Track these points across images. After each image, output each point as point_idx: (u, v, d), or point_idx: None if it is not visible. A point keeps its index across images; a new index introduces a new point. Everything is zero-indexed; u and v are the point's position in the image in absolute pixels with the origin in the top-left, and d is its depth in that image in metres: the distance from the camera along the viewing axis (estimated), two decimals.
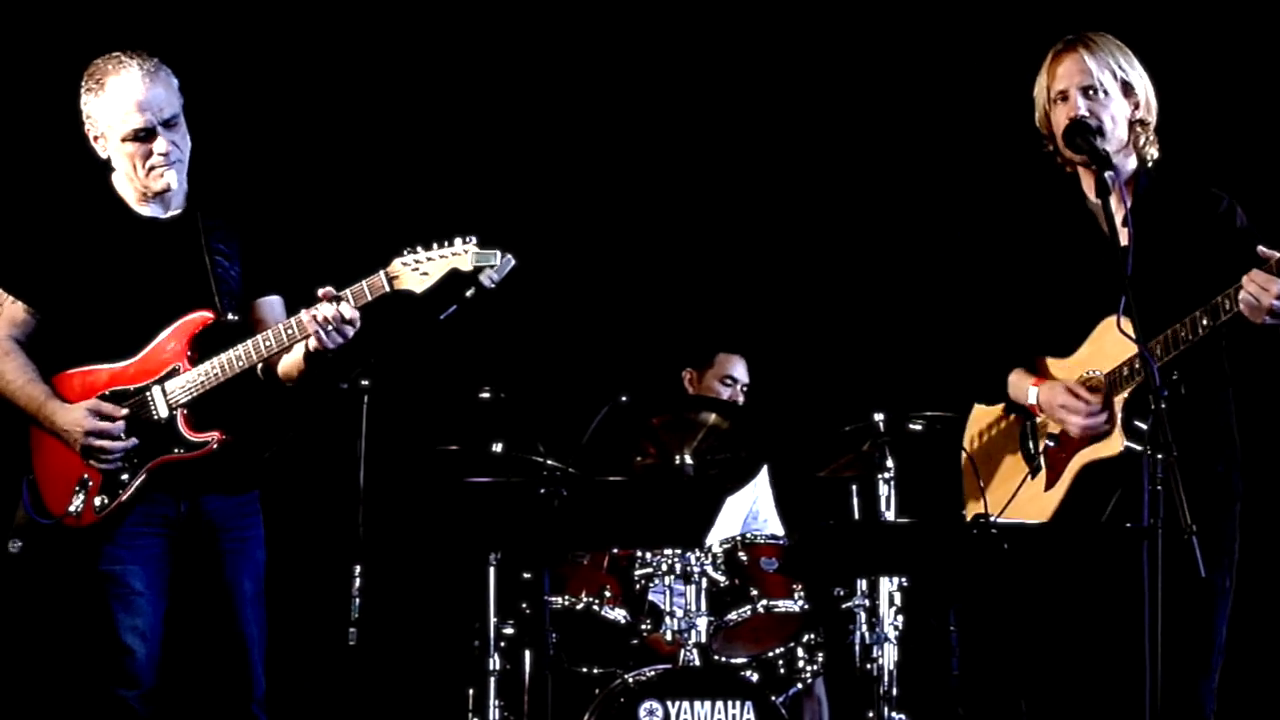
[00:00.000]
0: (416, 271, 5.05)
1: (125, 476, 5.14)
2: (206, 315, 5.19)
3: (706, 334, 7.47)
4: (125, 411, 5.15)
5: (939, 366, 5.30)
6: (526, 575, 6.19)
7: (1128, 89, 4.98)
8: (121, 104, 5.10)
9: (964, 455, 5.28)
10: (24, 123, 6.91)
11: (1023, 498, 5.07)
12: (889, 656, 6.15)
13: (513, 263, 5.40)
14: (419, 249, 5.07)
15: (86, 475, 5.15)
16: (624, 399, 6.14)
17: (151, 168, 5.15)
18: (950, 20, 7.61)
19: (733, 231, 7.79)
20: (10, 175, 6.79)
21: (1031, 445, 5.11)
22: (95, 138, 5.21)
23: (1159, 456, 4.38)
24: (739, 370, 7.36)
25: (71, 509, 5.13)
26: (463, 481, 5.76)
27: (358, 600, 5.28)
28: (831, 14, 7.70)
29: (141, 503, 5.16)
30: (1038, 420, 5.10)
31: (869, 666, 6.19)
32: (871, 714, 6.15)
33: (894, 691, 6.14)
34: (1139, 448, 4.75)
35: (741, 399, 7.31)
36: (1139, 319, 4.57)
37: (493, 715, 5.94)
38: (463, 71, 7.64)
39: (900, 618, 6.19)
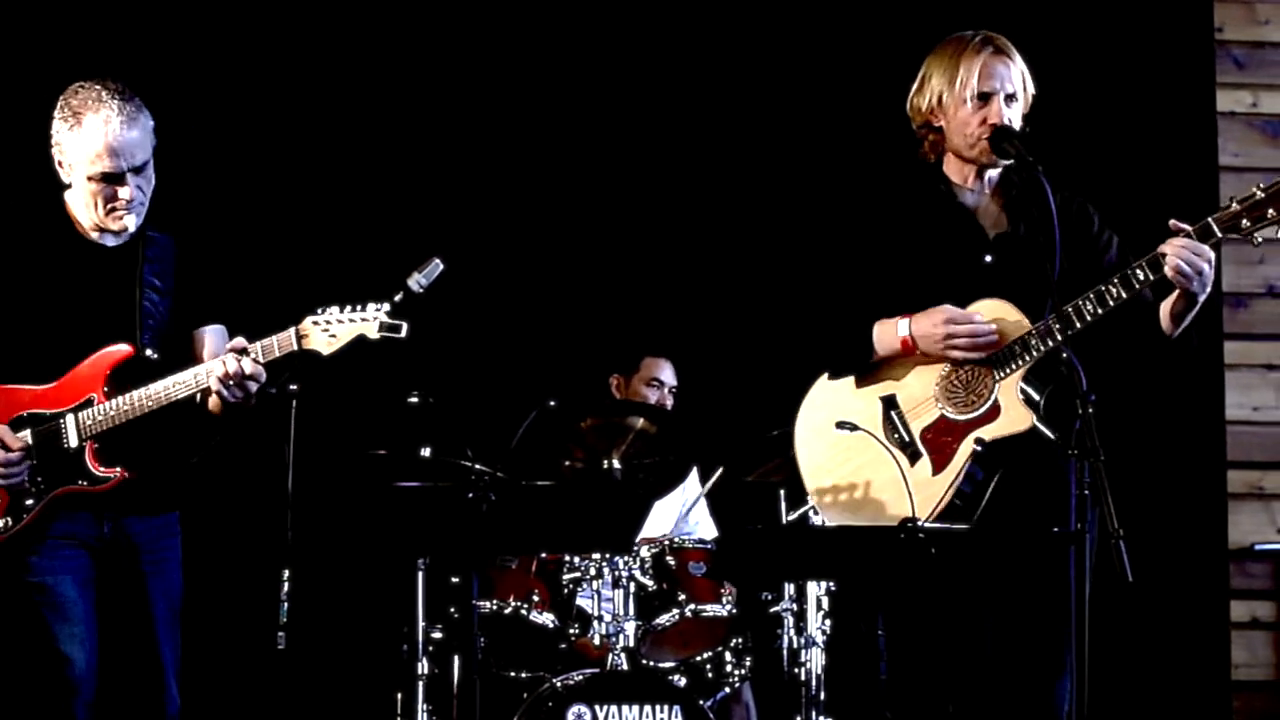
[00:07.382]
0: (326, 333, 5.07)
1: (30, 501, 5.13)
2: (125, 349, 5.16)
3: (634, 338, 7.48)
4: (26, 441, 5.11)
5: (800, 337, 5.36)
6: (455, 579, 6.18)
7: (1023, 93, 5.10)
8: (93, 145, 5.03)
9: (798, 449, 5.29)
10: None
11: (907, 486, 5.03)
12: (816, 661, 6.18)
13: (441, 267, 5.39)
14: (333, 309, 5.08)
15: None
16: (552, 403, 6.14)
17: (112, 209, 5.10)
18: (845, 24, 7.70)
19: (662, 236, 7.80)
20: None
21: (903, 432, 5.07)
22: (60, 163, 5.14)
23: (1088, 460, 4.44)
24: (666, 374, 7.37)
25: None
26: (391, 486, 5.75)
27: (286, 604, 5.26)
28: (740, 23, 7.75)
29: (60, 521, 5.14)
30: (902, 408, 5.08)
31: (796, 671, 6.22)
32: (799, 718, 6.18)
33: (821, 696, 6.17)
34: (1048, 432, 4.84)
35: (670, 402, 7.32)
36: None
37: None
38: (387, 76, 7.64)
39: (828, 622, 6.22)
